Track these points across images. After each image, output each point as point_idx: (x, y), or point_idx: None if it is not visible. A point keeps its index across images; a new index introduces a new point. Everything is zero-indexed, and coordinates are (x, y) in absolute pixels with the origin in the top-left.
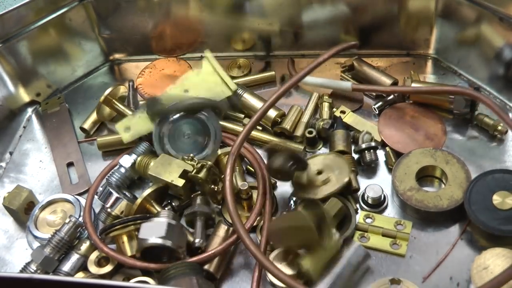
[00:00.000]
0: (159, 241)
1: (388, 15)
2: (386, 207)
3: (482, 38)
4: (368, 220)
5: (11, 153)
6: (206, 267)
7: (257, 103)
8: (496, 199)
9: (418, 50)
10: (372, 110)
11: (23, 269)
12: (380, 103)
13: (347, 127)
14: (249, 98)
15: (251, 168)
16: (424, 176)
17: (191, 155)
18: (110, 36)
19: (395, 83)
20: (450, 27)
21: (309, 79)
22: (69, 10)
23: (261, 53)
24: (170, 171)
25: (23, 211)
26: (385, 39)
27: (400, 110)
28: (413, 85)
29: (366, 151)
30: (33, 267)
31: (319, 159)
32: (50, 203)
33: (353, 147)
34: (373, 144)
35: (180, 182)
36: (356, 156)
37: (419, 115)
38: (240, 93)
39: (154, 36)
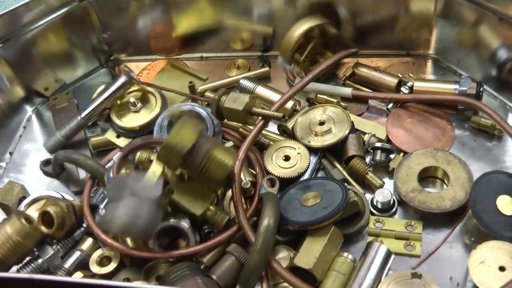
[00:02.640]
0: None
1: (388, 16)
2: (395, 211)
3: (482, 39)
4: (378, 225)
5: (11, 153)
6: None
7: (271, 94)
8: (500, 202)
9: (418, 50)
10: (373, 110)
11: (25, 265)
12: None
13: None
14: (262, 90)
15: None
16: (426, 177)
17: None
18: (110, 36)
19: (400, 82)
20: (450, 27)
21: (311, 85)
22: (69, 10)
23: (261, 54)
24: None
25: (17, 206)
26: (385, 39)
27: (409, 110)
28: (416, 83)
29: (378, 150)
30: (36, 263)
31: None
32: (35, 200)
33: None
34: (388, 146)
35: None
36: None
37: (428, 115)
38: (252, 87)
39: (154, 36)
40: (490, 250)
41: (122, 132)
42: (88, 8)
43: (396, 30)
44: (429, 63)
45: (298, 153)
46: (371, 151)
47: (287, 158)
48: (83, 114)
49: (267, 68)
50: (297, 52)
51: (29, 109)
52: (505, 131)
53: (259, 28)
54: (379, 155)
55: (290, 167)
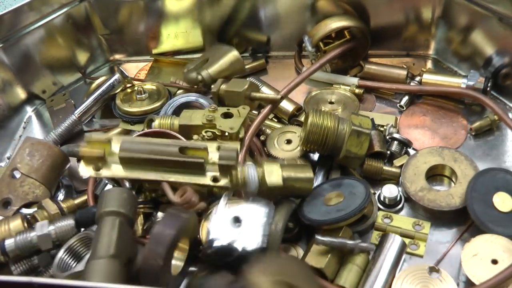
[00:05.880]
0: None
1: (389, 17)
2: (402, 207)
3: (482, 39)
4: (386, 220)
5: (11, 154)
6: None
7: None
8: (497, 198)
9: (418, 51)
10: (380, 110)
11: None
12: (406, 99)
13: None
14: (266, 92)
15: None
16: (433, 175)
17: (213, 106)
18: (110, 36)
19: (408, 73)
20: (450, 27)
21: (317, 74)
22: (69, 10)
23: (259, 54)
24: (196, 117)
25: None
26: (385, 39)
27: (423, 108)
28: (425, 76)
29: (395, 141)
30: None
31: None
32: None
33: None
34: (405, 140)
35: None
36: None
37: (442, 113)
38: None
39: (153, 37)
40: (484, 243)
41: (123, 115)
42: (88, 8)
43: (396, 30)
44: (429, 64)
45: (299, 136)
46: (389, 140)
47: (289, 142)
48: (77, 114)
49: (263, 60)
50: (323, 41)
51: (29, 109)
52: (507, 125)
53: (255, 34)
54: (394, 146)
55: (293, 150)
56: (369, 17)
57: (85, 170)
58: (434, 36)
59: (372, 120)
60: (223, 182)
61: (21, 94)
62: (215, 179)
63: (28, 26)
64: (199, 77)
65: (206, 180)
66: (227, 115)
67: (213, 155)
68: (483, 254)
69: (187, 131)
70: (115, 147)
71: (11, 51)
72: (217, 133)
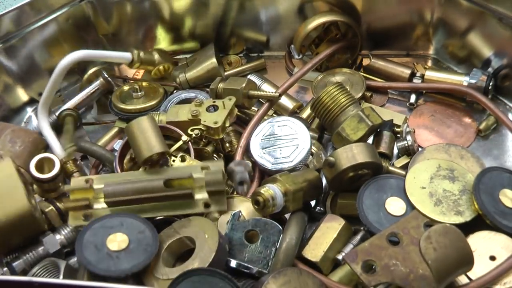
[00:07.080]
0: None
1: (389, 17)
2: None
3: (482, 39)
4: None
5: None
6: None
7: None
8: (503, 194)
9: (418, 51)
10: (395, 102)
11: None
12: (414, 96)
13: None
14: (267, 89)
15: None
16: None
17: (199, 99)
18: (110, 36)
19: (413, 73)
20: (450, 27)
21: (310, 74)
22: (69, 10)
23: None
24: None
25: None
26: (385, 39)
27: (432, 107)
28: (428, 73)
29: (404, 142)
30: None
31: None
32: None
33: None
34: (414, 144)
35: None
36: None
37: (450, 112)
38: (259, 84)
39: (152, 36)
40: (483, 240)
41: (119, 113)
42: (88, 8)
43: (396, 30)
44: (429, 63)
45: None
46: (400, 136)
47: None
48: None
49: (262, 60)
50: (313, 43)
51: (29, 109)
52: (505, 125)
53: (254, 35)
54: (401, 145)
55: None
56: (369, 18)
57: (75, 220)
58: (434, 36)
59: (390, 122)
60: (214, 208)
61: (21, 94)
62: (206, 205)
63: (28, 26)
64: (177, 79)
65: (199, 208)
66: (212, 108)
67: (199, 176)
68: (482, 250)
69: (174, 127)
70: (99, 188)
71: (12, 51)
72: (202, 128)
